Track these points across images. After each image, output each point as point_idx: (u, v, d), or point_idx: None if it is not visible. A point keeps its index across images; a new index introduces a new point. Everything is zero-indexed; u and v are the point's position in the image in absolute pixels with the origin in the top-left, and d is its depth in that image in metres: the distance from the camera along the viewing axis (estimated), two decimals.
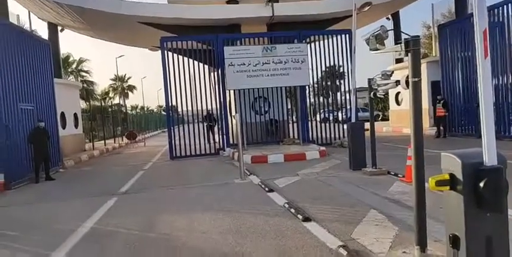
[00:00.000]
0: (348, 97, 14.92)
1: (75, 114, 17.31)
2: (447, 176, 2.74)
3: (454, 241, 2.71)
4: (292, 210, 5.42)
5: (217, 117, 15.48)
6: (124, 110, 34.43)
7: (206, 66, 14.47)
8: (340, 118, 15.87)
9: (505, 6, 12.48)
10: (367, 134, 8.17)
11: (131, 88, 57.78)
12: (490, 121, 2.74)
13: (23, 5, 14.67)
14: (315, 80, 15.61)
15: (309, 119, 15.59)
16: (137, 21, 14.64)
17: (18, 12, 15.55)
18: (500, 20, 12.74)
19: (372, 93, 7.30)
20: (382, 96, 8.69)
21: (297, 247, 4.04)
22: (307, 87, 14.80)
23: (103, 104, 31.41)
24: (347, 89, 14.55)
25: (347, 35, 14.14)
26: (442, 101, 14.93)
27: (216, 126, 16.06)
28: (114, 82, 55.58)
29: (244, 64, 12.68)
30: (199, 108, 14.71)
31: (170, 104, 13.76)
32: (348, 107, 14.86)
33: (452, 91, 15.57)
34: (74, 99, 17.79)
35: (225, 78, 13.03)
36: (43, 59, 12.08)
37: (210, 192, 7.45)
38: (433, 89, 16.73)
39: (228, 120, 14.15)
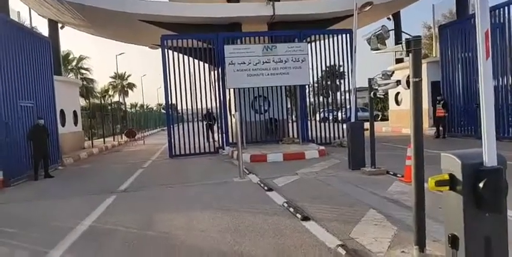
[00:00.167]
0: (347, 97, 14.92)
1: (75, 112, 17.29)
2: (447, 177, 2.74)
3: (453, 241, 2.71)
4: (291, 209, 5.42)
5: (216, 116, 15.48)
6: (123, 108, 34.45)
7: (206, 65, 14.45)
8: (339, 118, 15.88)
9: (506, 7, 12.47)
10: (367, 133, 8.17)
11: (131, 86, 57.78)
12: (491, 122, 2.74)
13: (23, 1, 14.63)
14: (315, 79, 15.63)
15: (309, 118, 15.59)
16: (138, 19, 14.62)
17: (18, 9, 15.49)
18: (501, 21, 12.72)
19: (372, 93, 7.31)
20: (382, 96, 8.71)
21: (296, 246, 4.04)
22: (307, 86, 14.80)
23: (102, 101, 31.41)
24: (347, 88, 14.55)
25: (348, 35, 14.11)
26: (442, 102, 14.93)
27: (216, 125, 16.05)
28: (113, 80, 55.53)
29: (245, 63, 12.68)
30: (199, 106, 14.71)
31: (170, 103, 13.76)
32: (348, 106, 14.86)
33: (452, 92, 15.57)
34: (73, 97, 17.77)
35: (225, 77, 13.03)
36: (43, 56, 12.06)
37: (209, 190, 7.45)
38: (433, 90, 16.73)
39: (227, 119, 14.15)
